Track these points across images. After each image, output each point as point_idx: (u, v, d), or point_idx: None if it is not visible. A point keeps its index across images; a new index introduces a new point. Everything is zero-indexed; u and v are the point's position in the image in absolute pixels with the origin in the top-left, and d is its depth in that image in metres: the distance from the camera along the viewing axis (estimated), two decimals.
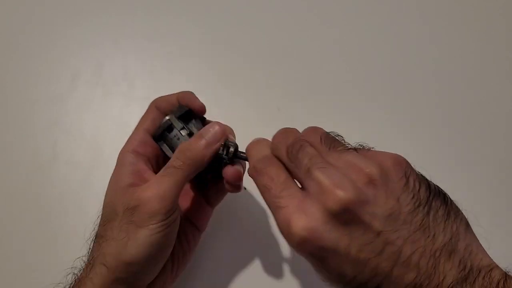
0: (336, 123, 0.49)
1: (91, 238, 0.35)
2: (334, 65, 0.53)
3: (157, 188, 0.32)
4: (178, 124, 0.36)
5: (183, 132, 0.36)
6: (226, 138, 0.35)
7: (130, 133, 0.49)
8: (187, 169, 0.33)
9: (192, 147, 0.33)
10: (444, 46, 0.54)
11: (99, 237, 0.33)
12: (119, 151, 0.37)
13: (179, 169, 0.33)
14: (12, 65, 0.53)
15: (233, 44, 0.54)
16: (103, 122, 0.50)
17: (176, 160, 0.33)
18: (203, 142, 0.33)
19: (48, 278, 0.44)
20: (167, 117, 0.36)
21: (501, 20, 0.55)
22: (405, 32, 0.54)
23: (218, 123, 0.35)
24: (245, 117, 0.50)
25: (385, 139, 0.49)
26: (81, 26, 0.54)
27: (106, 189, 0.36)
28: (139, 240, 0.31)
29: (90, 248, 0.34)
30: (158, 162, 0.38)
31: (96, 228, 0.35)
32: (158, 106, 0.37)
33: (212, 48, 0.53)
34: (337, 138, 0.31)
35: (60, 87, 0.51)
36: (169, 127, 0.36)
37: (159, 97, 0.38)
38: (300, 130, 0.49)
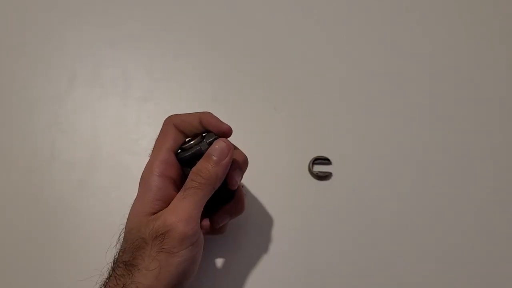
0: (333, 123, 0.50)
1: (113, 261, 0.34)
2: (330, 65, 0.53)
3: (182, 212, 0.33)
4: None
5: None
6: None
7: (127, 133, 0.50)
8: (205, 188, 0.34)
9: (205, 167, 0.34)
10: (442, 46, 0.54)
11: (130, 265, 0.33)
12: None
13: (198, 189, 0.34)
14: (10, 66, 0.53)
15: (229, 44, 0.54)
16: (101, 122, 0.50)
17: (192, 182, 0.34)
18: (213, 160, 0.34)
19: (47, 277, 0.44)
20: (192, 143, 0.36)
21: (498, 21, 0.56)
22: (402, 32, 0.55)
23: (223, 139, 0.36)
24: (242, 117, 0.50)
25: (384, 138, 0.50)
26: (78, 27, 0.55)
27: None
28: (171, 268, 0.32)
29: (113, 271, 0.34)
30: (182, 184, 0.37)
31: (120, 254, 0.34)
32: (177, 125, 0.37)
33: (209, 48, 0.54)
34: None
35: (58, 88, 0.52)
36: (200, 155, 0.35)
37: (177, 116, 0.38)
38: (299, 129, 0.50)
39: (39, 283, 0.44)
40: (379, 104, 0.51)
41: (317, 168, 0.48)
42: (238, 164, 0.37)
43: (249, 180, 0.47)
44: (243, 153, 0.39)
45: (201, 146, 0.36)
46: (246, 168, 0.39)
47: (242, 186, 0.47)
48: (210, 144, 0.35)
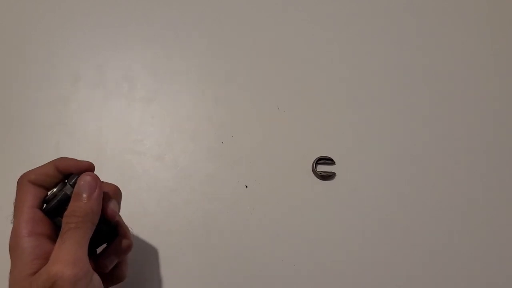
0: (336, 123, 0.50)
1: None
2: (334, 65, 0.53)
3: (65, 256, 0.30)
4: None
5: None
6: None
7: (131, 133, 0.50)
8: (83, 225, 0.31)
9: (77, 206, 0.32)
10: (445, 47, 0.54)
11: None
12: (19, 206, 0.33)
13: (76, 229, 0.31)
14: (14, 67, 0.53)
15: (232, 44, 0.54)
16: (105, 122, 0.50)
17: (68, 224, 0.31)
18: (84, 196, 0.32)
19: None
20: (54, 191, 0.34)
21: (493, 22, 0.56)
22: (406, 33, 0.55)
23: (87, 173, 0.33)
24: (245, 116, 0.50)
25: (387, 138, 0.50)
26: (81, 29, 0.55)
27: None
28: None
29: None
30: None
31: None
32: (33, 181, 0.34)
33: (212, 48, 0.54)
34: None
35: (62, 89, 0.52)
36: (68, 199, 0.33)
37: (29, 172, 0.35)
38: (302, 128, 0.50)
39: None
40: (382, 104, 0.51)
41: (321, 168, 0.48)
42: (109, 194, 0.36)
43: (253, 180, 0.48)
44: (112, 184, 0.37)
45: (65, 190, 0.33)
46: (121, 198, 0.38)
47: (246, 186, 0.47)
48: (74, 184, 0.33)
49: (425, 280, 0.44)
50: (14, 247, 0.32)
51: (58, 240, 0.31)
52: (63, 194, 0.33)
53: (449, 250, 0.45)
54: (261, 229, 0.46)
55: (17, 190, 0.34)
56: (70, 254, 0.30)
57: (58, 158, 0.35)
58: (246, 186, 0.47)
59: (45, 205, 0.34)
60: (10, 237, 0.32)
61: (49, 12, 0.56)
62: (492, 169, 0.49)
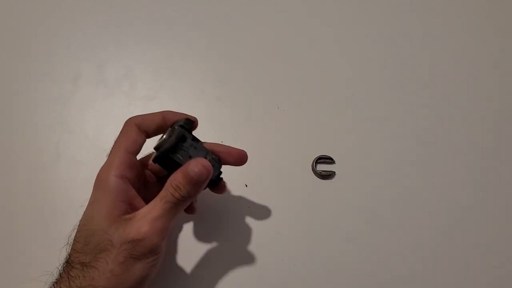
0: (336, 122, 0.50)
1: (65, 262, 0.34)
2: (334, 64, 0.53)
3: (159, 224, 0.33)
4: (189, 135, 0.36)
5: (195, 142, 0.36)
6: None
7: None
8: (182, 203, 0.34)
9: (184, 183, 0.33)
10: (446, 48, 0.55)
11: (89, 267, 0.32)
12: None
13: (176, 204, 0.33)
14: (15, 66, 0.53)
15: (233, 44, 0.54)
16: (106, 121, 0.50)
17: (172, 196, 0.33)
18: (192, 178, 0.33)
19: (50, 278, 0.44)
20: (166, 134, 0.35)
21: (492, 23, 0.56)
22: (407, 33, 0.55)
23: (205, 163, 0.34)
24: (245, 115, 0.51)
25: (387, 137, 0.50)
26: (83, 27, 0.55)
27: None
28: (136, 273, 0.32)
29: (65, 272, 0.33)
30: (141, 185, 0.37)
31: (76, 255, 0.33)
32: (139, 125, 0.36)
33: (212, 47, 0.54)
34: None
35: (63, 88, 0.52)
36: (183, 137, 0.35)
37: (138, 116, 0.37)
38: (302, 127, 0.50)
39: (38, 282, 0.44)
40: (383, 104, 0.51)
41: (321, 167, 0.48)
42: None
43: (252, 178, 0.48)
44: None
45: (177, 129, 0.35)
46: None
47: (246, 186, 0.47)
48: (184, 125, 0.35)
49: (425, 279, 0.44)
50: (103, 182, 0.34)
51: (158, 202, 0.33)
52: (179, 131, 0.34)
53: (449, 249, 0.45)
54: (261, 228, 0.46)
55: (122, 129, 0.36)
56: (163, 224, 0.32)
57: (164, 111, 0.37)
58: (246, 185, 0.47)
59: (155, 152, 0.34)
60: (101, 170, 0.35)
61: (49, 12, 0.56)
62: (492, 169, 0.49)
